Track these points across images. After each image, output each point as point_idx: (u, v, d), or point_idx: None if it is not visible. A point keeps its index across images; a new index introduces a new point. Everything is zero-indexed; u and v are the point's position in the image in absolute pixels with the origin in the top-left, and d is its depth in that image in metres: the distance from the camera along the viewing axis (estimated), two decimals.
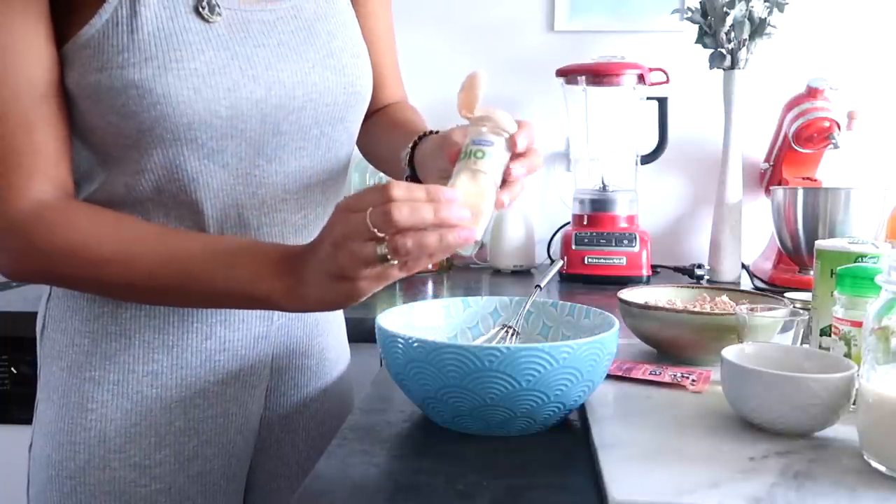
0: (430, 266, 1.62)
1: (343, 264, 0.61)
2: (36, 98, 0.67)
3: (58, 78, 0.69)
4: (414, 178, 0.79)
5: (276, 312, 0.81)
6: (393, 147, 0.86)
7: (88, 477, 0.74)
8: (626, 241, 1.53)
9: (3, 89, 0.66)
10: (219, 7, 0.71)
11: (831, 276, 0.74)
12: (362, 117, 0.85)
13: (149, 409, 0.76)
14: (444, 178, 0.68)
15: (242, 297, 0.68)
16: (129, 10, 0.67)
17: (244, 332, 0.79)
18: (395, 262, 0.60)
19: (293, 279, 0.65)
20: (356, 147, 0.95)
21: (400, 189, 0.59)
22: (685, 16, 1.59)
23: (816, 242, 0.78)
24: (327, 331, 0.89)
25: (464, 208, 0.61)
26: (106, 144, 0.71)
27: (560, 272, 1.56)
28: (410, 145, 0.80)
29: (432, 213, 0.59)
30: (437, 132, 0.79)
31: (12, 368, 1.22)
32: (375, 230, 0.59)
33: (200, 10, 0.70)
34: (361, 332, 1.14)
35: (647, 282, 1.52)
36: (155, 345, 0.76)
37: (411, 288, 1.49)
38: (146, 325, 0.75)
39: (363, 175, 1.68)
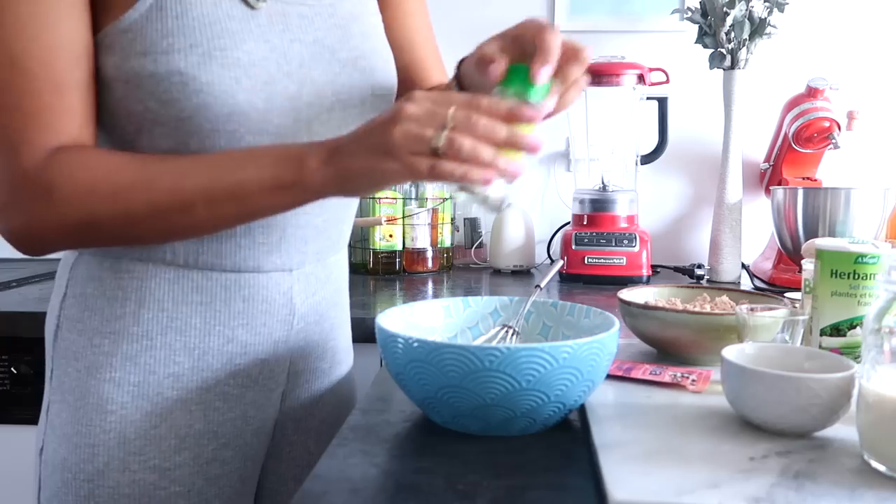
0: (429, 265, 1.63)
1: (395, 139, 0.61)
2: (71, 60, 0.66)
3: (91, 44, 0.68)
4: None
5: (297, 317, 0.81)
6: None
7: (107, 480, 0.73)
8: (626, 241, 1.53)
9: (36, 47, 0.64)
10: None
11: (831, 276, 0.75)
12: None
13: (169, 412, 0.75)
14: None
15: (273, 184, 0.66)
16: None
17: (265, 336, 0.79)
18: (442, 156, 0.60)
19: (331, 154, 0.65)
20: None
21: (484, 100, 0.62)
22: (685, 16, 1.59)
23: (816, 242, 0.78)
24: (339, 335, 0.90)
25: (535, 140, 0.63)
26: (141, 132, 0.70)
27: (560, 272, 1.56)
28: (454, 72, 0.79)
29: (505, 132, 0.61)
30: None
31: (12, 368, 1.22)
32: (451, 124, 0.60)
33: None
34: (361, 332, 1.14)
35: (647, 282, 1.52)
36: (177, 347, 0.75)
37: (411, 288, 1.49)
38: (168, 327, 0.75)
39: None
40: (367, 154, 0.63)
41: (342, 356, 0.91)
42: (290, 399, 0.84)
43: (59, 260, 0.82)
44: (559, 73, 0.68)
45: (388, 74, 0.82)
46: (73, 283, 0.77)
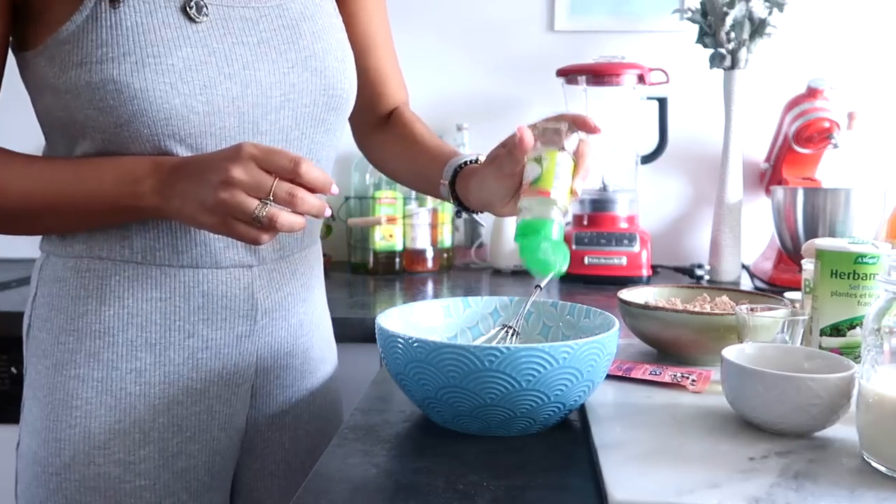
0: (429, 265, 1.63)
1: (221, 203, 0.65)
2: None
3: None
4: (462, 208, 0.85)
5: (259, 312, 0.81)
6: (418, 169, 0.92)
7: (73, 473, 0.75)
8: (626, 241, 1.53)
9: None
10: (206, 8, 0.72)
11: (831, 276, 0.75)
12: (345, 121, 0.86)
13: (132, 406, 0.76)
14: (514, 201, 0.75)
15: (111, 206, 0.71)
16: (110, 6, 0.69)
17: (227, 331, 0.79)
18: (262, 224, 0.66)
19: (165, 187, 0.69)
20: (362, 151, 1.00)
21: (311, 172, 0.66)
22: (685, 16, 1.59)
23: (816, 242, 0.78)
24: (312, 331, 0.89)
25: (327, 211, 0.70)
26: (85, 139, 0.73)
27: None
28: (449, 179, 0.84)
29: (322, 210, 0.68)
30: (475, 161, 0.84)
31: (12, 368, 1.22)
32: (272, 199, 0.65)
33: (188, 9, 0.71)
34: (361, 332, 1.14)
35: (647, 282, 1.52)
36: (138, 343, 0.76)
37: (411, 288, 1.49)
38: (129, 323, 0.76)
39: (363, 174, 1.68)
40: (194, 205, 0.67)
41: (317, 353, 0.90)
42: (262, 395, 0.84)
43: None
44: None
45: (342, 74, 0.82)
46: (41, 284, 0.79)
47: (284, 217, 0.66)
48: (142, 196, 0.70)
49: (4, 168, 0.72)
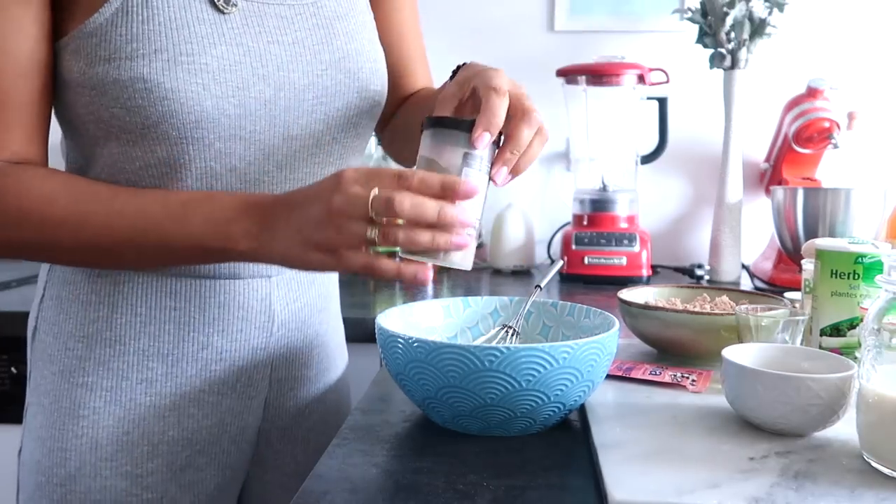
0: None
1: (329, 236, 0.60)
2: (15, 76, 0.66)
3: (45, 57, 0.67)
4: None
5: (276, 324, 0.79)
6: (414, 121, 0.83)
7: (79, 485, 0.72)
8: (626, 241, 1.53)
9: None
10: None
11: (831, 276, 0.75)
12: (375, 123, 0.83)
13: (142, 418, 0.74)
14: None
15: (198, 247, 0.66)
16: None
17: (242, 343, 0.77)
18: (381, 249, 0.60)
19: (262, 230, 0.64)
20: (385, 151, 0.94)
21: (415, 178, 0.59)
22: (685, 16, 1.59)
23: (816, 242, 0.78)
24: (326, 342, 0.87)
25: (470, 213, 0.61)
26: (109, 138, 0.69)
27: (560, 272, 1.56)
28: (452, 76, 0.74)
29: (436, 212, 0.59)
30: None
31: (12, 368, 1.22)
32: (373, 214, 0.59)
33: (216, 0, 0.68)
34: (361, 332, 1.14)
35: (647, 282, 1.52)
36: (150, 352, 0.74)
37: (411, 288, 1.49)
38: (141, 332, 0.74)
39: None
40: (300, 246, 0.62)
41: (330, 363, 0.88)
42: (275, 407, 0.82)
43: None
44: (509, 139, 0.64)
45: (374, 76, 0.79)
46: (50, 286, 0.77)
47: (402, 234, 0.59)
48: (232, 239, 0.64)
49: (85, 201, 0.67)
